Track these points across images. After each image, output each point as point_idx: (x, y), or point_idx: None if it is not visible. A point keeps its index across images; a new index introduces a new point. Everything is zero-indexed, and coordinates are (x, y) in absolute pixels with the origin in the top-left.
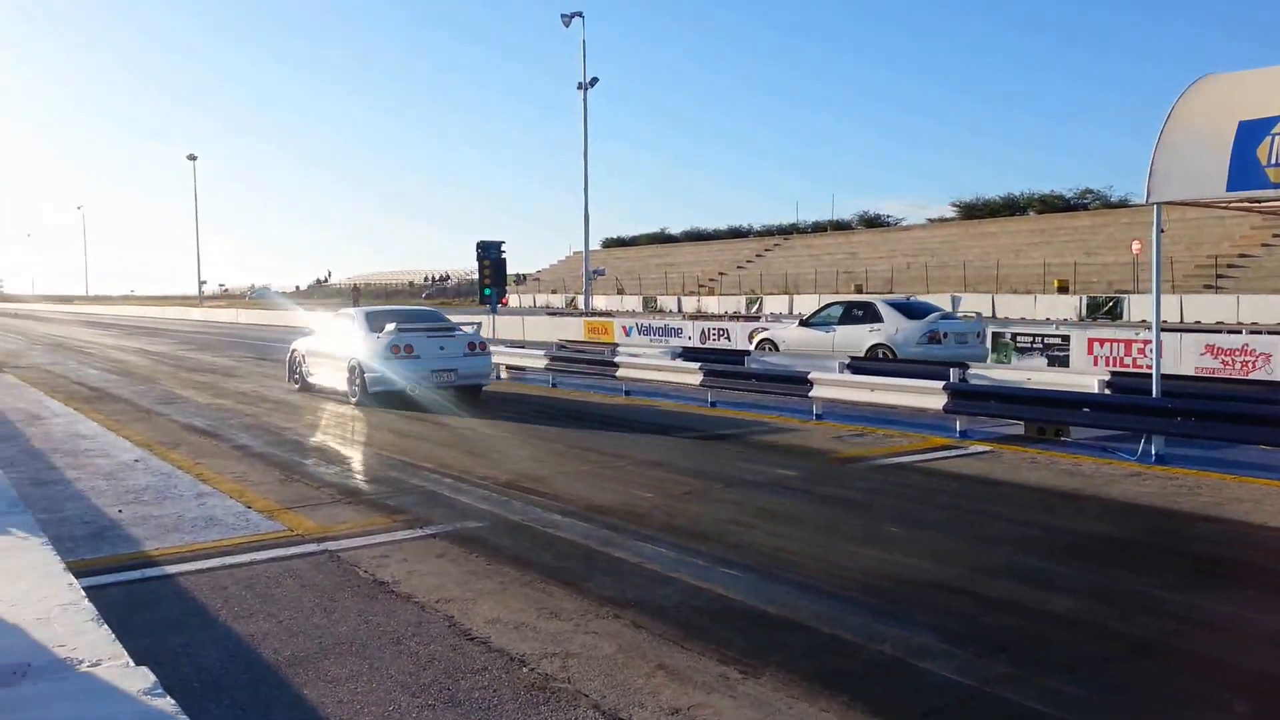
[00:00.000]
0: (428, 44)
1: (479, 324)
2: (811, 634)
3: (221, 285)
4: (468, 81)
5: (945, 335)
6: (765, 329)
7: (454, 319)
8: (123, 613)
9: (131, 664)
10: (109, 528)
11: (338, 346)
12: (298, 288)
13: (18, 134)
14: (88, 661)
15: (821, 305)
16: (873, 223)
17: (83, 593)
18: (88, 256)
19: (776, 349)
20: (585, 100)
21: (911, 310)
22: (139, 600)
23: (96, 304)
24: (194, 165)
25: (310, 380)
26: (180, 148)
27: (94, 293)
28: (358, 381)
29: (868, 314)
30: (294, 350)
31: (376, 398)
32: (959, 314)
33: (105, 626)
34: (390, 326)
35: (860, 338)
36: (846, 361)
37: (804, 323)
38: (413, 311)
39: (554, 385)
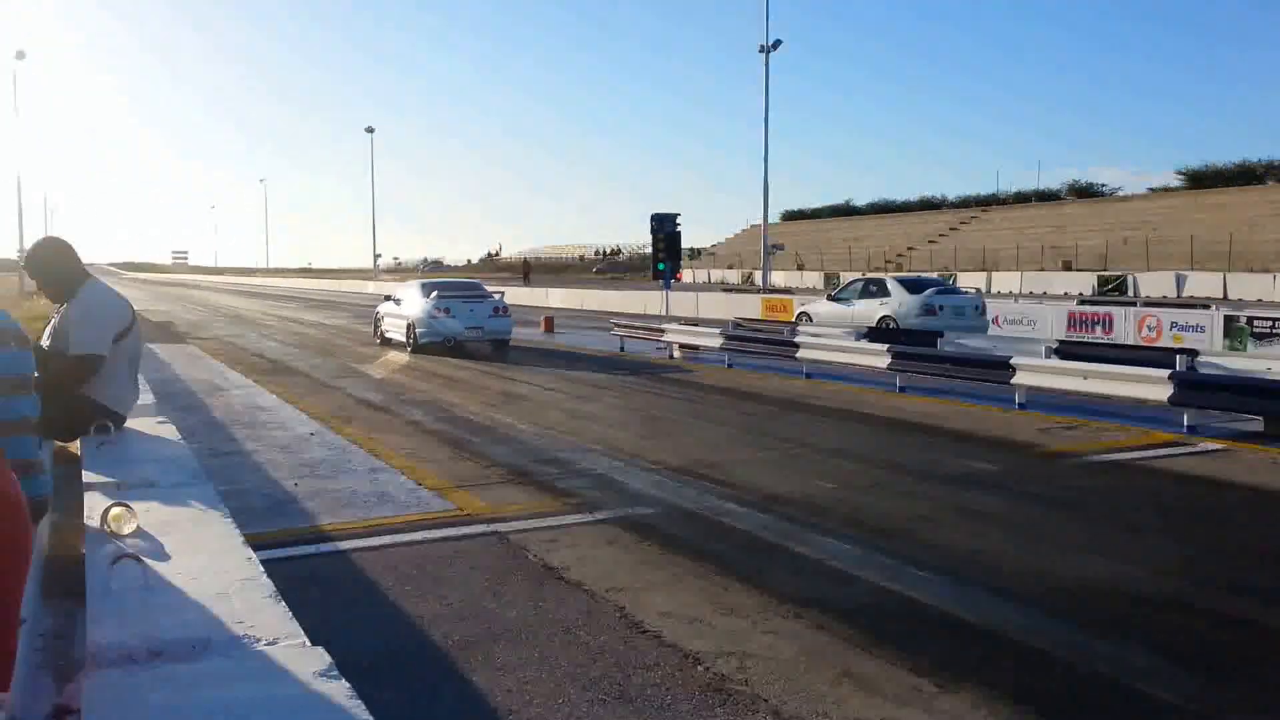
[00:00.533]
0: (604, 12)
1: (503, 292)
2: (1014, 647)
3: (395, 259)
4: (644, 49)
5: (940, 308)
6: (804, 304)
7: (489, 288)
8: (297, 588)
9: (308, 644)
10: (285, 501)
11: (403, 309)
12: (469, 261)
13: (208, 111)
14: (264, 640)
15: (845, 282)
16: (1084, 192)
17: (260, 568)
18: (268, 230)
19: (811, 321)
20: (767, 64)
21: (915, 285)
22: (312, 576)
23: (275, 277)
24: (371, 138)
25: (386, 335)
26: (354, 126)
27: (273, 265)
28: (411, 335)
29: (879, 289)
30: (377, 312)
31: (424, 347)
32: (964, 289)
33: (282, 603)
34: (434, 294)
35: (872, 311)
36: (1054, 345)
37: (831, 298)
38: (454, 283)
39: (729, 365)
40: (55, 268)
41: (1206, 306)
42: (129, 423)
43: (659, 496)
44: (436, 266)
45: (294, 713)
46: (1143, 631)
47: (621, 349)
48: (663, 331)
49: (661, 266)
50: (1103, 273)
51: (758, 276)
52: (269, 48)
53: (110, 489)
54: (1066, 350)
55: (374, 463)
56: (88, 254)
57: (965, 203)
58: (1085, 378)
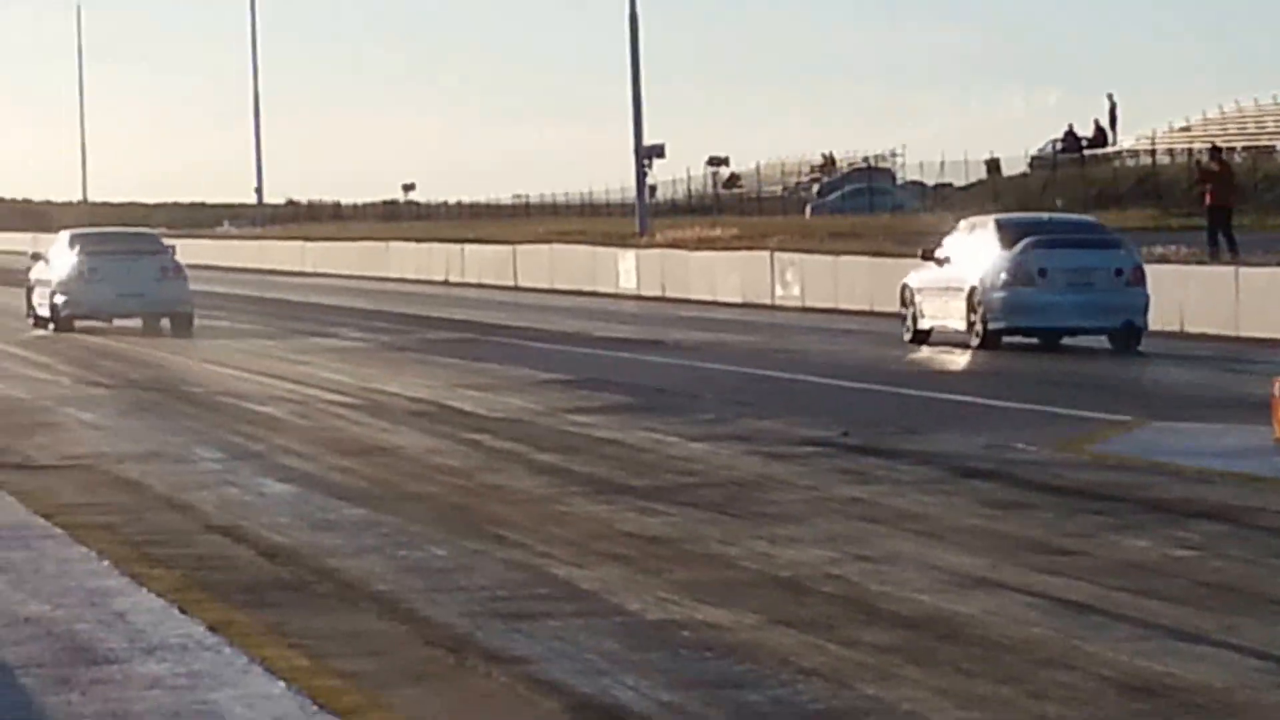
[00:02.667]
0: None
1: (174, 246)
2: None
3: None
4: None
5: (1043, 273)
6: None
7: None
8: None
9: None
10: None
11: (50, 272)
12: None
13: None
14: None
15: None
16: None
17: None
18: None
19: (914, 299)
20: None
21: (1021, 227)
22: None
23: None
24: None
25: (38, 310)
26: None
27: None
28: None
29: (976, 240)
30: (29, 279)
31: (67, 323)
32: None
33: None
34: (79, 249)
35: (960, 280)
36: None
37: (925, 254)
38: (113, 233)
39: None
40: None
41: None
42: None
43: None
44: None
45: None
46: None
47: None
48: None
49: None
50: None
51: None
52: None
53: None
54: None
55: None
56: None
57: None
58: None
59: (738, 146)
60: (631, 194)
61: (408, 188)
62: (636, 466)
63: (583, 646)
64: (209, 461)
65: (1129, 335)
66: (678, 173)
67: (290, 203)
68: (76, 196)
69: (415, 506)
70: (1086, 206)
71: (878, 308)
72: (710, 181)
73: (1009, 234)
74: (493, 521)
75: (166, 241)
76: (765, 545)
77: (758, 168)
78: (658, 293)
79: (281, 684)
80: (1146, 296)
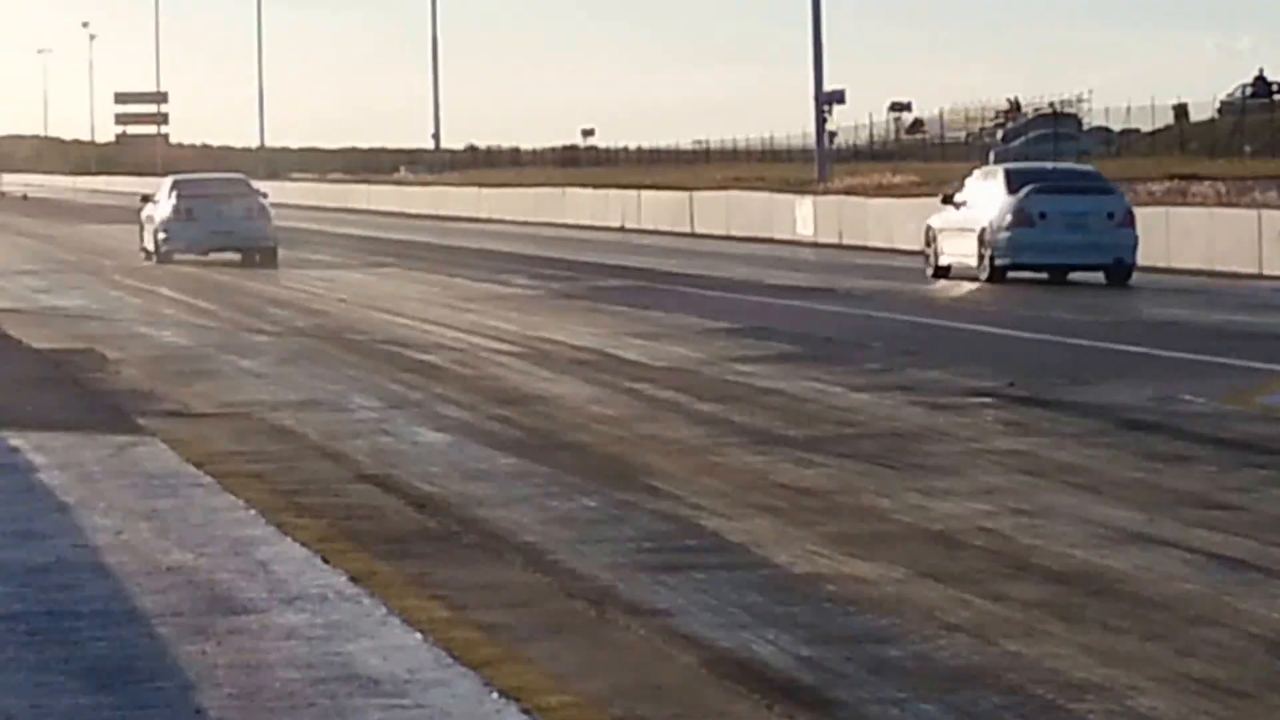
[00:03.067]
0: None
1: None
2: None
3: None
4: None
5: (1042, 216)
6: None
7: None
8: None
9: None
10: None
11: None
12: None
13: None
14: None
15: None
16: None
17: None
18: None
19: (935, 239)
20: None
21: (1025, 176)
22: None
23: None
24: None
25: (145, 245)
26: None
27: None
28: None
29: (987, 183)
30: (140, 215)
31: (167, 257)
32: (1090, 175)
33: None
34: (177, 192)
35: (972, 221)
36: None
37: (946, 198)
38: (207, 178)
39: None
40: None
41: None
42: None
43: None
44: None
45: None
46: None
47: None
48: None
49: None
50: None
51: None
52: None
53: None
54: None
55: None
56: None
57: None
58: None
59: (921, 91)
60: (813, 140)
61: (587, 133)
62: (796, 417)
63: (725, 599)
64: (366, 410)
65: (1120, 271)
66: (860, 118)
67: (470, 148)
68: (255, 142)
69: (570, 456)
70: (1276, 152)
71: None
72: (892, 127)
73: (1015, 181)
74: (646, 472)
75: (257, 185)
76: (920, 498)
77: (941, 113)
78: (834, 240)
79: (418, 635)
80: (1135, 237)
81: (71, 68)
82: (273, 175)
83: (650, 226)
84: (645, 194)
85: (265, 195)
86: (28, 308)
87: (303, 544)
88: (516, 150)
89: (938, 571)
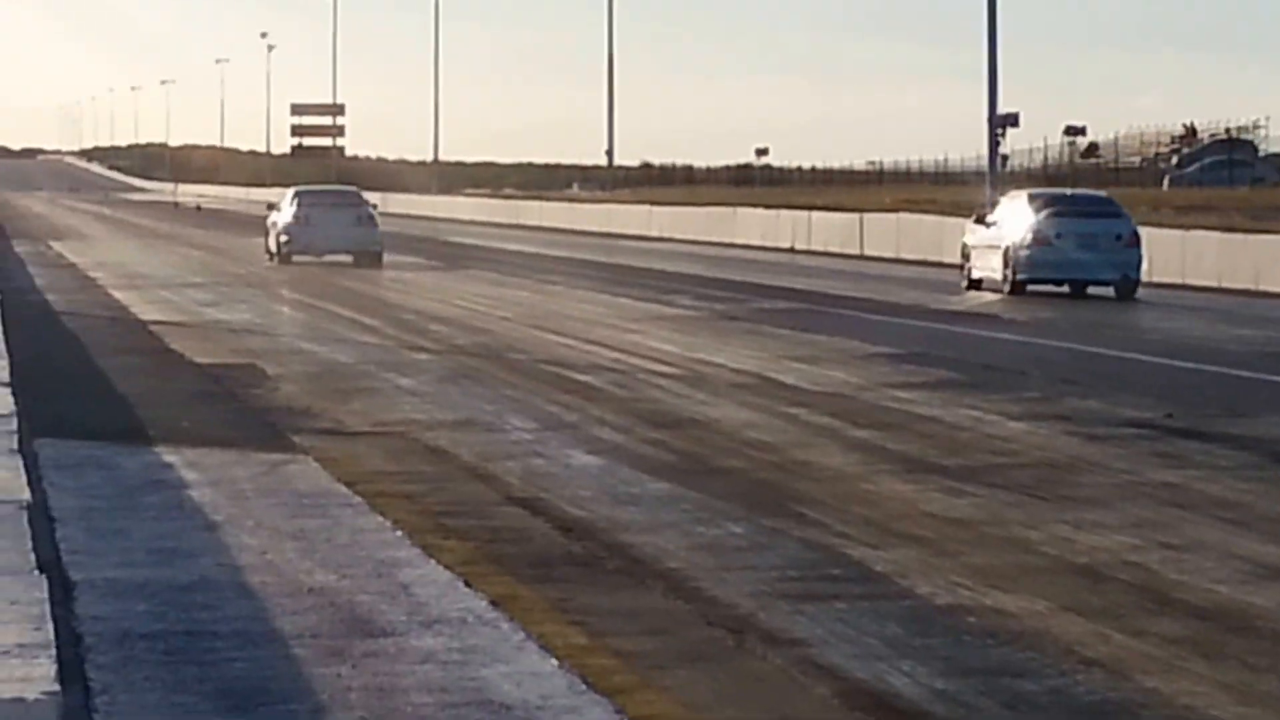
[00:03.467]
0: None
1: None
2: None
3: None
4: None
5: (1058, 237)
6: None
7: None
8: None
9: None
10: None
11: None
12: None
13: None
14: None
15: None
16: None
17: None
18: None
19: (968, 257)
20: None
21: (1047, 201)
22: None
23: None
24: None
25: (269, 248)
26: None
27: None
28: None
29: (1011, 209)
30: (267, 222)
31: (288, 259)
32: (1104, 201)
33: None
34: (298, 200)
35: (998, 240)
36: None
37: (978, 218)
38: (323, 190)
39: None
40: None
41: None
42: None
43: None
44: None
45: None
46: None
47: None
48: None
49: None
50: None
51: None
52: None
53: None
54: None
55: None
56: None
57: None
58: None
59: (1096, 115)
60: (986, 162)
61: (761, 152)
62: (951, 445)
63: (865, 630)
64: (521, 431)
65: (1127, 286)
66: (1034, 142)
67: (644, 165)
68: (430, 155)
69: (720, 482)
70: None
71: (1225, 284)
72: (1067, 151)
73: (1036, 205)
74: (795, 499)
75: (368, 197)
76: (1068, 530)
77: (1116, 138)
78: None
79: (554, 662)
80: (1140, 255)
81: (249, 78)
82: (446, 190)
83: (820, 248)
84: (816, 215)
85: (374, 206)
86: (192, 321)
87: (446, 567)
88: (690, 168)
89: (1080, 605)
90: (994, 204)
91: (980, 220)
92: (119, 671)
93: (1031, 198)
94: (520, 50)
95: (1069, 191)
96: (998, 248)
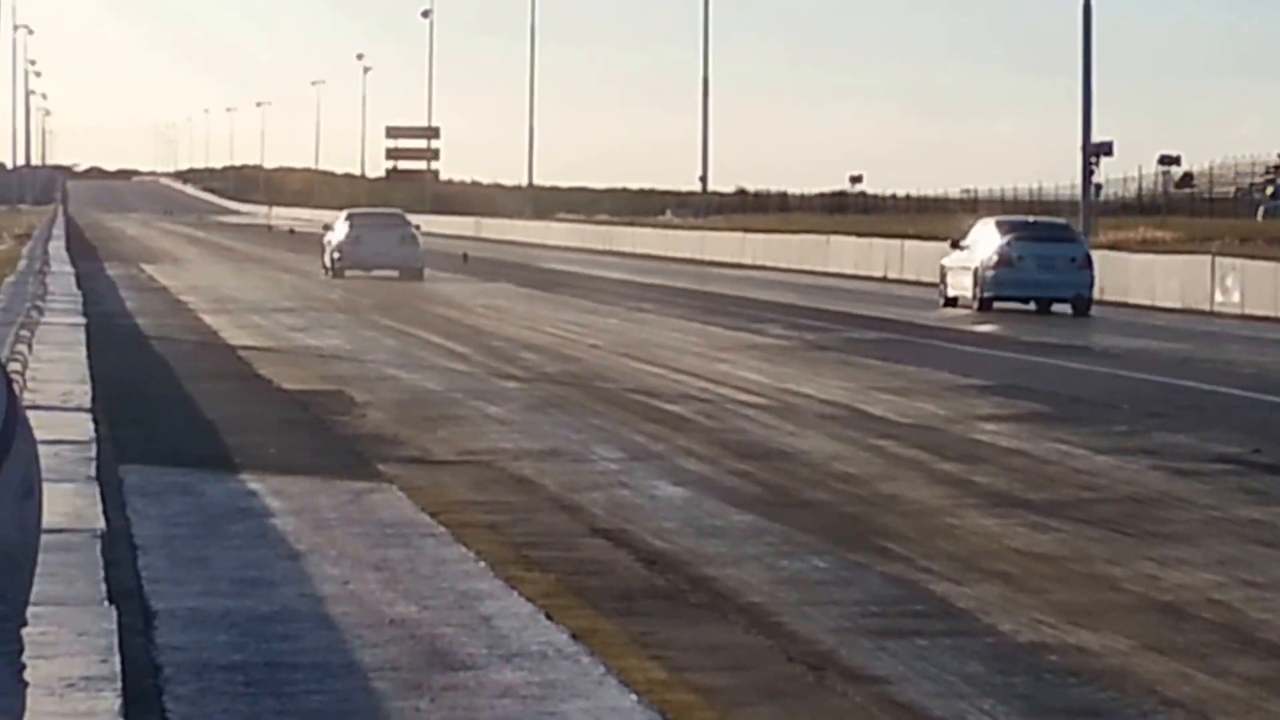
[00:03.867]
0: None
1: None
2: None
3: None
4: None
5: (1019, 259)
6: None
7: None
8: None
9: None
10: None
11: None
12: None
13: None
14: None
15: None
16: None
17: None
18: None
19: (945, 280)
20: None
21: (1008, 227)
22: None
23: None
24: None
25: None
26: None
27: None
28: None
29: (977, 234)
30: (323, 240)
31: (340, 273)
32: (1063, 228)
33: None
34: (349, 221)
35: (967, 262)
36: None
37: (955, 243)
38: (373, 211)
39: None
40: None
41: None
42: None
43: None
44: None
45: None
46: None
47: None
48: None
49: None
50: None
51: None
52: None
53: None
54: None
55: None
56: None
57: None
58: None
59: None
60: (1080, 191)
61: (855, 179)
62: (1037, 479)
63: (946, 668)
64: (607, 461)
65: (1081, 303)
66: (1128, 170)
67: (739, 191)
68: (524, 179)
69: (806, 514)
70: None
71: None
72: (1161, 181)
73: (1002, 230)
74: (880, 533)
75: (412, 218)
76: (1153, 566)
77: (1210, 168)
78: (1095, 295)
79: (633, 697)
80: (1092, 276)
81: (344, 100)
82: (539, 215)
83: (912, 277)
84: (909, 244)
85: (417, 226)
86: (282, 346)
87: (528, 599)
88: (784, 195)
89: (1162, 644)
90: (1086, 230)
91: (955, 244)
92: (196, 703)
93: (998, 224)
94: (617, 74)
95: (1031, 219)
96: (969, 269)
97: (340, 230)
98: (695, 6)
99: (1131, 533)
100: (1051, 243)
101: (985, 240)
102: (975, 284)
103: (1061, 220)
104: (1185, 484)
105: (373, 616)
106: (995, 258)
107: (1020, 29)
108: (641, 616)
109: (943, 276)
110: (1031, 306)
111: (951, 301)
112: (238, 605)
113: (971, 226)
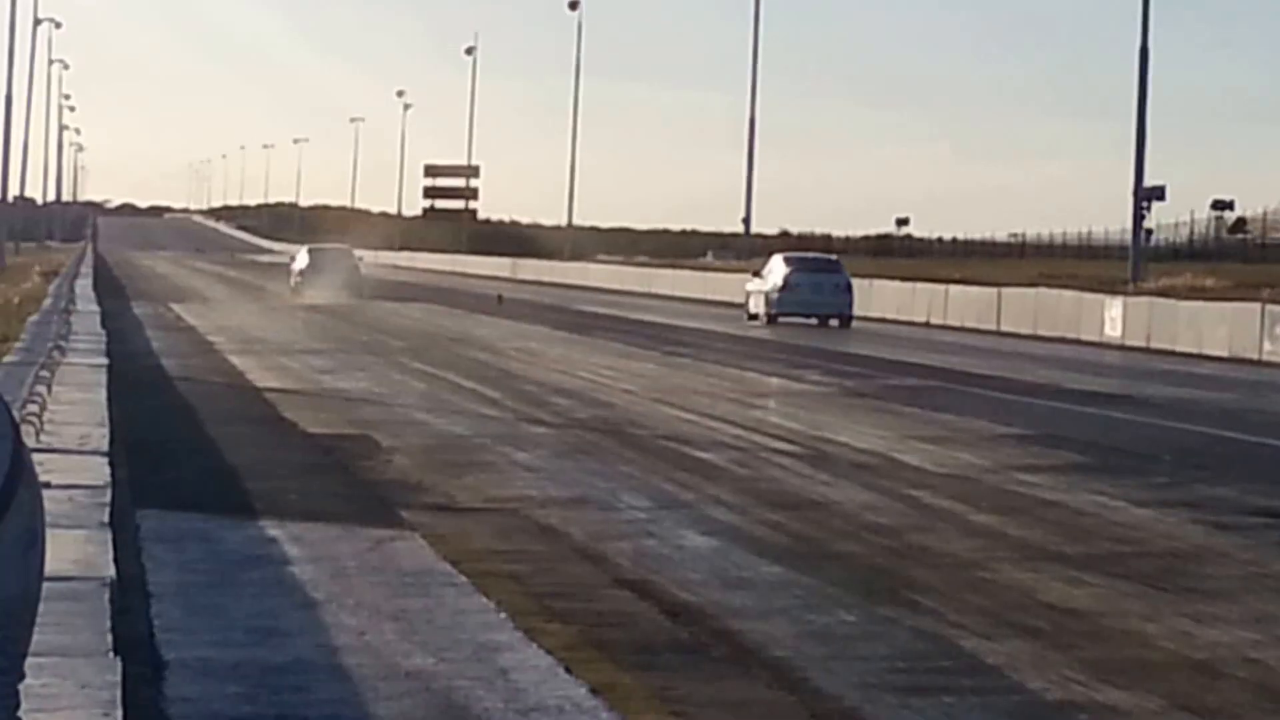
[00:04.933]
0: None
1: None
2: None
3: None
4: None
5: (797, 286)
6: None
7: None
8: None
9: None
10: None
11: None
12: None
13: None
14: None
15: None
16: None
17: None
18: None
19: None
20: None
21: (791, 261)
22: None
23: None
24: None
25: None
26: None
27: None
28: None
29: (770, 266)
30: None
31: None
32: (834, 263)
33: None
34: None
35: (760, 289)
36: None
37: (755, 272)
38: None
39: None
40: None
41: None
42: None
43: None
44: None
45: None
46: None
47: None
48: None
49: None
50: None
51: None
52: None
53: None
54: None
55: None
56: None
57: None
58: None
59: (1245, 190)
60: (1130, 235)
61: (901, 222)
62: (1074, 532)
63: None
64: (634, 510)
65: (844, 318)
66: (1181, 215)
67: (783, 234)
68: (564, 219)
69: (835, 566)
70: None
71: None
72: (1214, 226)
73: (788, 264)
74: (911, 586)
75: (358, 252)
76: (1188, 623)
77: (1264, 213)
78: (1142, 343)
79: None
80: (852, 299)
81: (383, 137)
82: (577, 256)
83: (956, 322)
84: (953, 289)
85: (361, 258)
86: (308, 389)
87: (548, 651)
88: (829, 237)
89: (1194, 703)
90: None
91: (756, 274)
92: None
93: (784, 259)
94: (661, 114)
95: (809, 255)
96: (764, 292)
97: (301, 259)
98: (743, 46)
99: (1168, 588)
100: (823, 273)
101: (776, 271)
102: (767, 304)
103: (832, 256)
104: (1225, 538)
105: (388, 668)
106: (781, 284)
107: (1072, 73)
108: (663, 670)
109: (747, 298)
110: (813, 321)
111: (754, 317)
112: (251, 655)
113: (767, 261)
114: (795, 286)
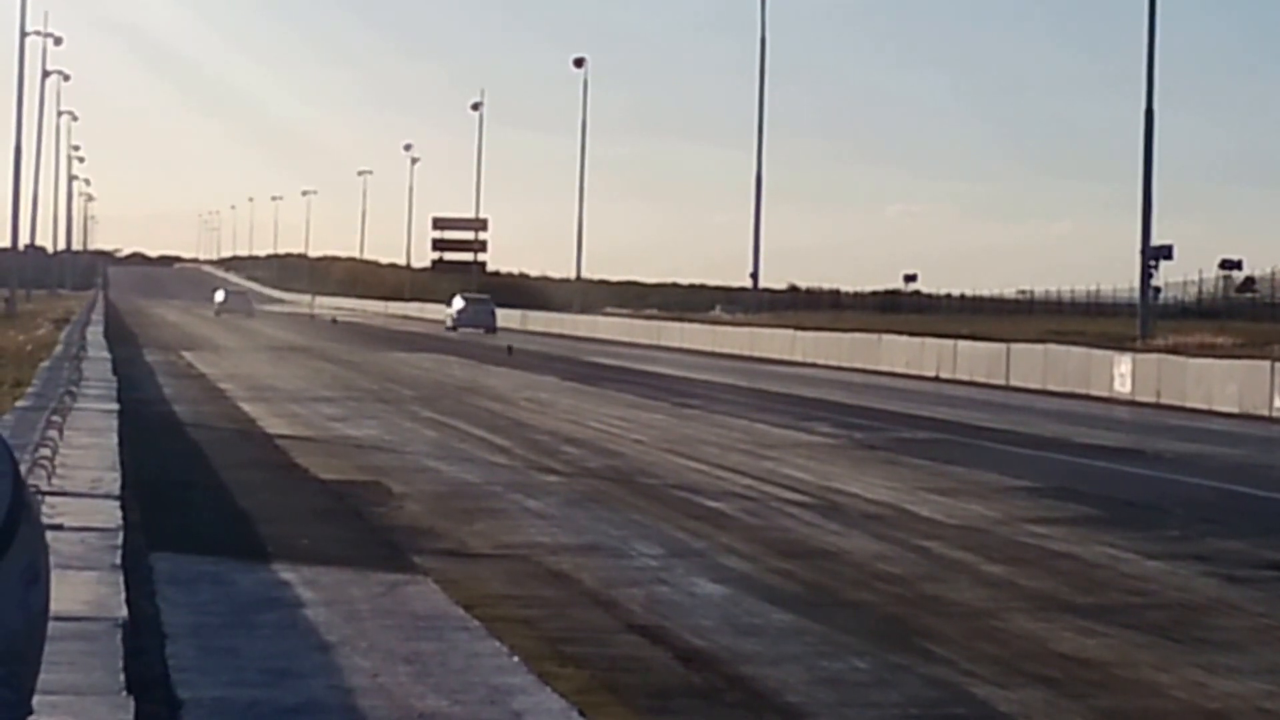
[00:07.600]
0: None
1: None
2: None
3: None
4: None
5: (464, 310)
6: None
7: None
8: None
9: None
10: None
11: None
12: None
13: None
14: None
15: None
16: None
17: None
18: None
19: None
20: None
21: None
22: None
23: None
24: None
25: None
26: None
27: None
28: None
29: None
30: None
31: None
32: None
33: None
34: None
35: (451, 311)
36: None
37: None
38: None
39: None
40: None
41: None
42: None
43: None
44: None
45: None
46: None
47: None
48: None
49: None
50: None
51: None
52: None
53: None
54: None
55: None
56: None
57: None
58: None
59: (1254, 250)
60: (1138, 294)
61: (910, 278)
62: (1085, 583)
63: None
64: (646, 557)
65: (490, 330)
66: (1189, 274)
67: (791, 288)
68: (573, 273)
69: (847, 614)
70: None
71: None
72: (1221, 285)
73: (465, 299)
74: (923, 634)
75: (502, 313)
76: (1200, 674)
77: (1273, 272)
78: (1152, 399)
79: None
80: (495, 317)
81: (391, 190)
82: (587, 308)
83: (965, 377)
84: (962, 344)
85: (252, 295)
86: (320, 436)
87: (561, 695)
88: (837, 292)
89: None
90: None
91: (449, 303)
92: None
93: (463, 296)
94: (669, 169)
95: (480, 295)
96: (453, 314)
97: (221, 292)
98: (750, 103)
99: (1180, 639)
100: (483, 305)
101: (460, 301)
102: (454, 320)
103: (486, 295)
104: (1238, 591)
105: (401, 710)
106: (461, 307)
107: (1079, 133)
108: (677, 714)
109: (447, 318)
110: (482, 331)
111: (451, 330)
112: (265, 696)
113: (454, 297)
114: (466, 310)
